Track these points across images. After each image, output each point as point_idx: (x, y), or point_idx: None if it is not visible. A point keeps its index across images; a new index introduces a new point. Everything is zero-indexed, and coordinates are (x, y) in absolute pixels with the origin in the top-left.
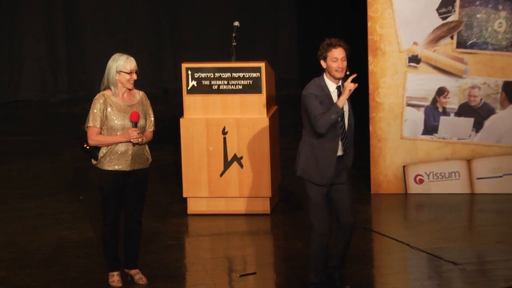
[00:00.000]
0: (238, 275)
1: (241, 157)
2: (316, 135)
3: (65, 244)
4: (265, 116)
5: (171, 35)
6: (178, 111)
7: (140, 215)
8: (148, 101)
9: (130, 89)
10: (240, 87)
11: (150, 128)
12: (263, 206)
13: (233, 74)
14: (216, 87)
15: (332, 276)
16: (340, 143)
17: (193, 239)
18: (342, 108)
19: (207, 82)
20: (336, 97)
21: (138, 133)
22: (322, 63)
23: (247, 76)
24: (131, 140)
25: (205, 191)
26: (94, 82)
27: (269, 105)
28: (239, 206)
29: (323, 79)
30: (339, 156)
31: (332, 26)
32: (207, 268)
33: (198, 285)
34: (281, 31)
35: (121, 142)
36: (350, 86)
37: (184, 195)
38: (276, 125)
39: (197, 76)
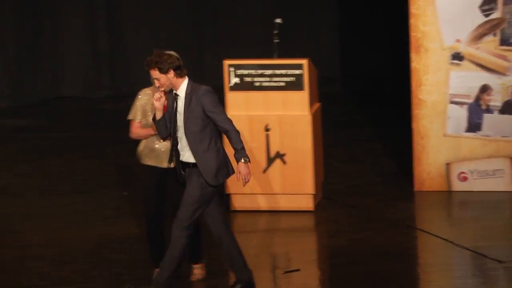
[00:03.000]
0: (282, 272)
1: (284, 154)
2: None
3: (108, 240)
4: (308, 113)
5: (213, 31)
6: None
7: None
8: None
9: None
10: (283, 84)
11: None
12: (306, 203)
13: (275, 71)
14: (258, 84)
15: None
16: (171, 150)
17: (236, 236)
18: (175, 120)
19: (249, 79)
20: (176, 102)
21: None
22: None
23: (290, 73)
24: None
25: (248, 187)
26: (136, 78)
27: (311, 102)
28: (282, 203)
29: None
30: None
31: (375, 22)
32: (251, 264)
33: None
34: (324, 28)
35: (152, 135)
36: (155, 96)
37: (227, 192)
38: (319, 122)
39: (239, 73)
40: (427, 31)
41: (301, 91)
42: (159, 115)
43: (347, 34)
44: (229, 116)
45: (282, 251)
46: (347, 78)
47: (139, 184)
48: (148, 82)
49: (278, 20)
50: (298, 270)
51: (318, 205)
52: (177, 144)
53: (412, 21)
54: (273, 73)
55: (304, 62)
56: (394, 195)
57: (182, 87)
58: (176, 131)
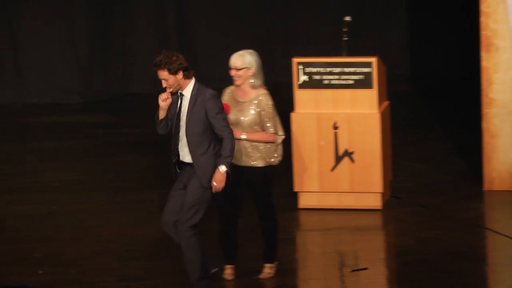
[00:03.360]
0: (350, 270)
1: (352, 152)
2: None
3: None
4: (377, 111)
5: (282, 29)
6: (288, 105)
7: (262, 210)
8: (266, 103)
9: (237, 85)
10: (352, 82)
11: (269, 130)
12: (374, 202)
13: (344, 69)
14: (327, 82)
15: None
16: (173, 148)
17: (303, 234)
18: (178, 120)
19: (318, 77)
20: (181, 102)
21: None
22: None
23: (359, 71)
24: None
25: (316, 185)
26: (205, 75)
27: (380, 100)
28: (350, 201)
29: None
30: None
31: (444, 20)
32: (318, 262)
33: (309, 280)
34: (393, 25)
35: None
36: (161, 97)
37: (295, 190)
38: (388, 121)
39: (308, 71)
40: (497, 29)
41: (370, 89)
42: (162, 115)
43: (417, 32)
44: (297, 114)
45: (349, 249)
46: (417, 76)
47: None
48: (217, 79)
49: (348, 18)
50: (365, 268)
51: (386, 203)
52: (178, 143)
53: (483, 19)
54: (342, 71)
55: (373, 60)
56: (463, 194)
57: (188, 88)
58: (178, 130)
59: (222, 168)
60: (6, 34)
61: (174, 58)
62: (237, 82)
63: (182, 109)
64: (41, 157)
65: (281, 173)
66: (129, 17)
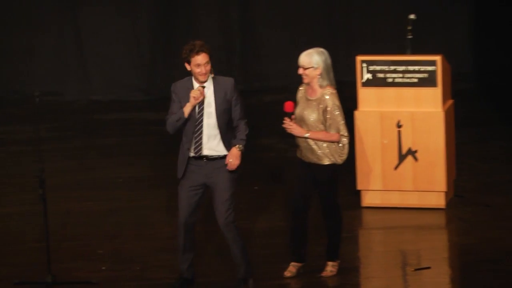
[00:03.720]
0: (412, 269)
1: (416, 151)
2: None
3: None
4: (441, 109)
5: (345, 27)
6: (352, 103)
7: (326, 209)
8: (332, 103)
9: (305, 83)
10: (415, 80)
11: (332, 130)
12: (438, 201)
13: (408, 67)
14: (391, 80)
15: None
16: (193, 144)
17: (366, 232)
18: (200, 113)
19: (381, 75)
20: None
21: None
22: (186, 66)
23: (423, 69)
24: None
25: (379, 184)
26: (268, 74)
27: (444, 98)
28: (413, 200)
29: (191, 79)
30: (204, 156)
31: (509, 17)
32: (380, 261)
33: (371, 278)
34: (457, 23)
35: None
36: (193, 93)
37: (358, 188)
38: (452, 119)
39: (371, 69)
40: None
41: (434, 88)
42: (188, 112)
43: (481, 29)
44: (360, 112)
45: (412, 248)
46: (481, 74)
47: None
48: (280, 77)
49: (412, 16)
50: (428, 267)
51: (449, 202)
52: (202, 137)
53: None
54: (406, 69)
55: (437, 58)
56: None
57: (209, 79)
58: (201, 124)
59: (239, 148)
60: (71, 32)
61: None
62: (305, 81)
63: (206, 101)
64: (104, 154)
65: (345, 171)
66: (193, 14)
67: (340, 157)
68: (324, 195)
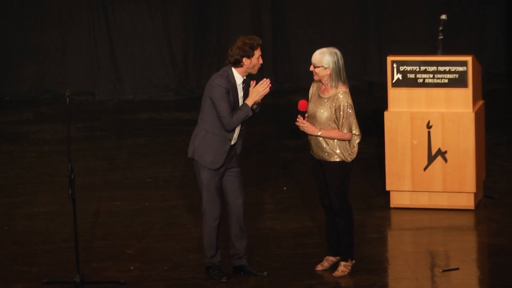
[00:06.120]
0: (441, 270)
1: (446, 152)
2: (217, 123)
3: (268, 234)
4: (471, 110)
5: (376, 27)
6: (382, 104)
7: (336, 207)
8: (343, 102)
9: (316, 81)
10: (446, 81)
11: (344, 129)
12: (467, 202)
13: (439, 67)
14: (421, 80)
15: (242, 267)
16: (236, 133)
17: (395, 233)
18: (252, 107)
19: (412, 76)
20: (242, 90)
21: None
22: (245, 60)
23: (453, 70)
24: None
25: (409, 184)
26: (299, 74)
27: (475, 99)
28: (443, 201)
29: (231, 70)
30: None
31: None
32: (409, 262)
33: (400, 279)
34: (489, 24)
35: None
36: (263, 88)
37: (387, 189)
38: (482, 120)
39: (402, 69)
40: None
41: (465, 88)
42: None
43: None
44: (390, 112)
45: (441, 249)
46: None
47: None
48: (311, 76)
49: (443, 17)
50: (457, 268)
51: (479, 203)
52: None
53: None
54: (437, 69)
55: (468, 59)
56: None
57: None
58: None
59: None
60: (103, 32)
61: None
62: (314, 78)
63: (243, 95)
64: (135, 154)
65: (374, 171)
66: (224, 14)
67: (350, 155)
68: (334, 192)
